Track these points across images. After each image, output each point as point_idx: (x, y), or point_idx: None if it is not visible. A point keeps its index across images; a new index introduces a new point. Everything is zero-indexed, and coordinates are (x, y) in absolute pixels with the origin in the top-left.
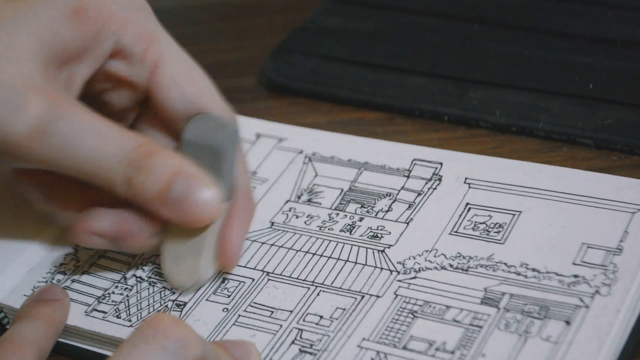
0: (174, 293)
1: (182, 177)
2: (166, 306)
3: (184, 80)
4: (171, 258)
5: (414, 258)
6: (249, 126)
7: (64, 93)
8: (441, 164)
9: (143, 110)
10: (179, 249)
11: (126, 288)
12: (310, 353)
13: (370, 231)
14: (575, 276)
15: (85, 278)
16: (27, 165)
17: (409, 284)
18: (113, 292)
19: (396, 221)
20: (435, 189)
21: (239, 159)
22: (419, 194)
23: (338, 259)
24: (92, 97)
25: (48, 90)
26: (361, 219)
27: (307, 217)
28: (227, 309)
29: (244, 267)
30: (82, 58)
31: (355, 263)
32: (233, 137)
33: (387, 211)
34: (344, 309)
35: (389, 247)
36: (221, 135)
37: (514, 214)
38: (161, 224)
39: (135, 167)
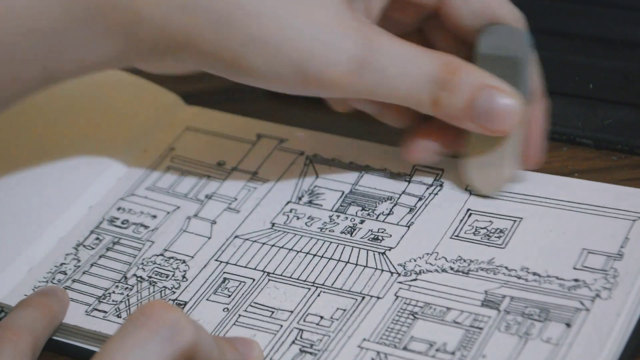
0: (174, 293)
1: (485, 91)
2: None
3: None
4: (477, 167)
5: (415, 260)
6: (249, 127)
7: (370, 25)
8: (442, 170)
9: (426, 25)
10: (483, 158)
11: (127, 288)
12: (311, 353)
13: (371, 233)
14: (576, 280)
15: (85, 278)
16: (345, 96)
17: (410, 285)
18: (114, 292)
19: (397, 224)
20: (436, 194)
21: (533, 65)
22: (420, 199)
23: (339, 260)
24: (383, 20)
25: (360, 26)
26: (362, 222)
27: (308, 218)
28: (228, 309)
29: (245, 267)
30: None
31: (356, 265)
32: (528, 46)
33: (388, 214)
34: (345, 310)
35: (389, 250)
36: (517, 45)
37: (515, 220)
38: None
39: (440, 85)
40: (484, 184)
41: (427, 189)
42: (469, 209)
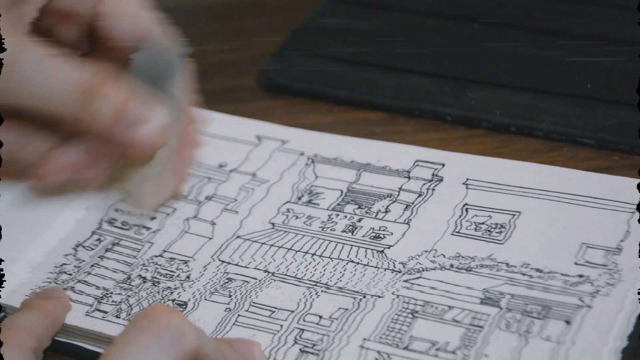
0: (175, 293)
1: (132, 105)
2: None
3: (126, 10)
4: (136, 182)
5: (415, 258)
6: (251, 128)
7: (18, 30)
8: (442, 164)
9: (93, 43)
10: (137, 173)
11: (127, 288)
12: (312, 353)
13: (372, 232)
14: (576, 276)
15: (86, 278)
16: None
17: (410, 284)
18: (114, 292)
19: (397, 222)
20: (436, 189)
21: (183, 82)
22: (420, 195)
23: (339, 259)
24: (42, 32)
25: (5, 27)
26: (362, 220)
27: (308, 218)
28: (228, 309)
29: (245, 267)
30: None
31: (357, 263)
32: (176, 62)
33: (389, 212)
34: (345, 309)
35: (389, 248)
36: (166, 61)
37: (514, 215)
38: (113, 156)
39: (88, 96)
40: (144, 196)
41: (427, 184)
42: (468, 204)
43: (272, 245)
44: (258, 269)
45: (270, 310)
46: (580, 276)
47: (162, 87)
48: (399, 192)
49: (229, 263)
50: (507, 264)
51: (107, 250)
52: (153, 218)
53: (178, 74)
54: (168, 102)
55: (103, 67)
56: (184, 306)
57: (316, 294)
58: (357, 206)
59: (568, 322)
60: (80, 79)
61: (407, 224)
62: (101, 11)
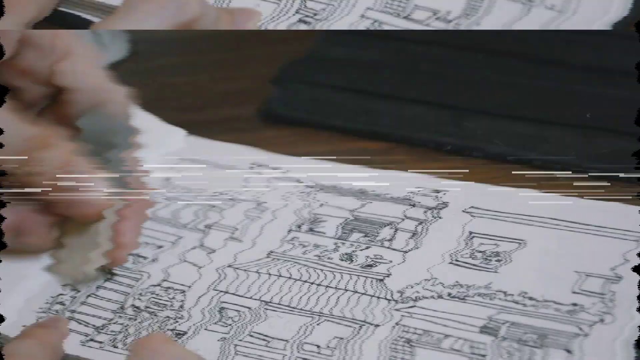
0: (172, 323)
1: (71, 171)
2: None
3: (85, 72)
4: (65, 252)
5: (413, 287)
6: (250, 157)
7: None
8: (442, 192)
9: (49, 102)
10: (73, 243)
11: (124, 318)
12: None
13: (370, 260)
14: (574, 304)
15: (83, 308)
16: None
17: (408, 312)
18: (112, 322)
19: (397, 250)
20: (435, 218)
21: (132, 153)
22: (421, 223)
23: (337, 288)
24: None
25: None
26: (361, 249)
27: (307, 246)
28: (226, 339)
29: (243, 296)
30: None
31: (354, 292)
32: (126, 131)
33: (389, 240)
34: (343, 338)
35: (387, 276)
36: (114, 128)
37: (513, 243)
38: (57, 217)
39: (28, 157)
40: (68, 269)
41: (429, 212)
42: (468, 232)
43: (270, 274)
44: (256, 299)
45: (268, 340)
46: (578, 305)
47: (109, 153)
48: (398, 220)
49: (226, 292)
50: (504, 293)
51: (105, 280)
52: (151, 245)
53: (125, 143)
54: (111, 171)
55: (54, 129)
56: (182, 336)
57: (315, 323)
58: (361, 234)
59: (568, 351)
60: (22, 137)
61: (406, 252)
62: (60, 71)
